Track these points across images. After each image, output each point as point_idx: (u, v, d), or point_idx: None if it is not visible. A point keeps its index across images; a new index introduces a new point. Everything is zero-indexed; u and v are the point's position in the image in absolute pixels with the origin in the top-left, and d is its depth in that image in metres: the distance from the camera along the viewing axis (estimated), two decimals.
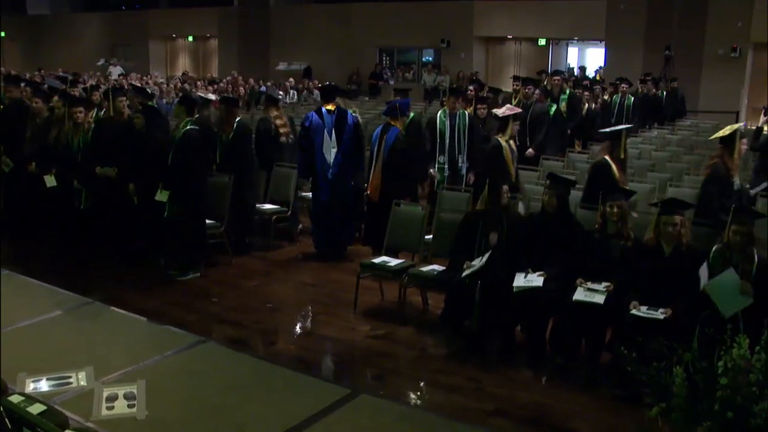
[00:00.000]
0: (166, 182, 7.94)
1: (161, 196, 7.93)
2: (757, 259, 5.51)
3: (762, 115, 10.10)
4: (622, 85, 14.80)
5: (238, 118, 9.17)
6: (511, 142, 8.91)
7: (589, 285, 5.90)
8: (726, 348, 3.23)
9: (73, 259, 8.58)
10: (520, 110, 9.68)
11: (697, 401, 3.19)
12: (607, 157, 7.45)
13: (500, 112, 9.11)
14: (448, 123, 9.56)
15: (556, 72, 13.83)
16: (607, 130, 8.04)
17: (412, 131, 9.33)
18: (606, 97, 14.63)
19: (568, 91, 12.89)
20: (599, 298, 5.76)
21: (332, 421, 3.30)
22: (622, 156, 7.52)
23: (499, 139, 8.74)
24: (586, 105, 13.34)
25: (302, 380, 3.79)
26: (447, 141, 9.53)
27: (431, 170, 9.48)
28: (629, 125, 10.22)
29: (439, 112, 9.84)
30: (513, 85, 12.31)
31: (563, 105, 12.32)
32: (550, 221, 6.44)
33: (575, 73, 23.51)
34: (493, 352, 6.36)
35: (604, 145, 7.82)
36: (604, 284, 5.87)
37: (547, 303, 6.06)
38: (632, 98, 14.51)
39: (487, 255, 6.29)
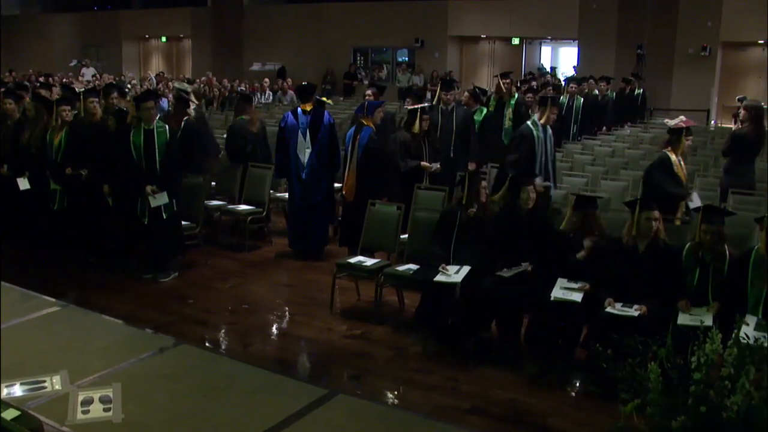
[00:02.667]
0: (163, 184, 7.84)
1: (159, 200, 7.83)
2: (729, 256, 5.59)
3: (732, 123, 10.22)
4: (571, 85, 14.34)
5: (186, 117, 9.15)
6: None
7: (566, 284, 5.96)
8: (699, 343, 3.27)
9: (47, 262, 8.51)
10: (695, 123, 8.54)
11: (672, 396, 3.22)
12: None
13: (672, 123, 8.07)
14: (542, 137, 8.26)
15: (505, 74, 11.87)
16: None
17: (519, 145, 8.36)
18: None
19: (516, 96, 11.47)
20: (576, 296, 5.82)
21: (309, 421, 3.29)
22: None
23: (668, 152, 7.61)
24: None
25: (279, 381, 3.77)
26: (541, 157, 8.19)
27: (544, 181, 8.17)
28: None
29: (529, 124, 8.38)
30: (429, 87, 11.21)
31: (509, 111, 11.17)
32: (523, 220, 6.48)
33: (547, 73, 23.64)
34: (470, 351, 6.38)
35: None
36: (580, 283, 5.92)
37: (522, 300, 6.12)
38: (581, 100, 14.09)
39: (465, 270, 6.35)
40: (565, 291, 5.91)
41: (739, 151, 8.85)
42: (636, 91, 16.38)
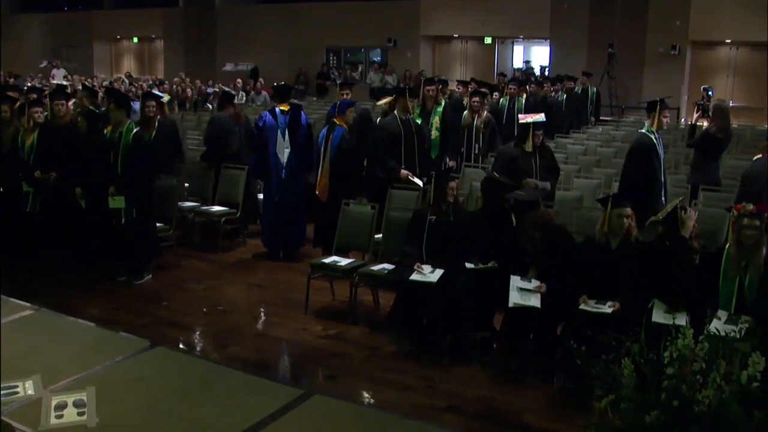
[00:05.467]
0: (121, 187, 7.76)
1: (116, 203, 7.76)
2: (700, 252, 5.67)
3: (695, 112, 10.42)
4: (510, 86, 13.70)
5: (159, 117, 9.14)
6: None
7: (520, 282, 5.92)
8: (672, 339, 3.31)
9: (19, 266, 8.39)
10: None
11: (645, 391, 3.26)
12: None
13: None
14: (657, 144, 7.51)
15: (430, 81, 10.48)
16: None
17: (638, 157, 7.52)
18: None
19: (443, 103, 10.28)
20: (535, 301, 5.80)
21: (286, 422, 3.28)
22: None
23: None
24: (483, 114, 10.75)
25: (255, 382, 3.76)
26: (662, 169, 7.55)
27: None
28: None
29: (645, 131, 7.61)
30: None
31: (436, 119, 9.96)
32: (491, 219, 6.52)
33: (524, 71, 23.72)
34: (445, 350, 6.40)
35: None
36: (535, 283, 5.93)
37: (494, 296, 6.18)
38: (523, 101, 13.23)
39: (440, 272, 6.35)
40: (522, 293, 5.86)
41: (707, 149, 9.02)
42: (590, 91, 15.81)
